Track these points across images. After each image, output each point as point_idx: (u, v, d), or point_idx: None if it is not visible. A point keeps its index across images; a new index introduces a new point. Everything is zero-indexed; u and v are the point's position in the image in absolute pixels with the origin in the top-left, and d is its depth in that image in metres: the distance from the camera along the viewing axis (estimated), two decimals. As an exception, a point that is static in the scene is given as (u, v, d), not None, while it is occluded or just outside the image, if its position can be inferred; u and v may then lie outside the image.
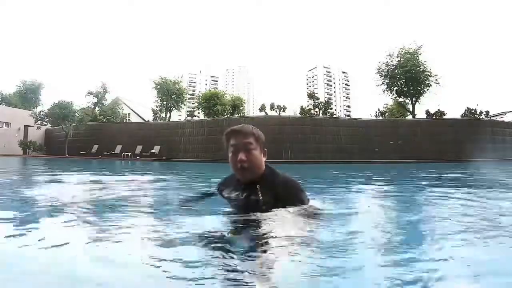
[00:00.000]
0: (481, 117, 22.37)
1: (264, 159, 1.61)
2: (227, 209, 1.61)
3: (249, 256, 1.00)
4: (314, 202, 1.64)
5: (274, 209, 1.45)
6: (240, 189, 1.61)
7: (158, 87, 27.01)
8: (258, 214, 1.41)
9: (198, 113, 26.57)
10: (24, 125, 26.64)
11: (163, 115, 28.44)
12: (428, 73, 22.07)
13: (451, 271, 0.94)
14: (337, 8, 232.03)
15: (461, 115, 22.50)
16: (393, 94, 23.44)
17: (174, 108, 28.05)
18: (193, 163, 15.48)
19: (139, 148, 20.55)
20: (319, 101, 23.65)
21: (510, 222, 1.66)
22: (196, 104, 27.28)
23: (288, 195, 1.52)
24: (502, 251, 1.17)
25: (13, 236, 1.27)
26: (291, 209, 1.46)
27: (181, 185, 3.89)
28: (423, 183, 4.70)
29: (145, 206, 2.20)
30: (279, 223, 1.33)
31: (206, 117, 23.38)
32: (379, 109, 25.70)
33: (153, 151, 20.10)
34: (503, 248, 1.21)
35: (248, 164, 1.51)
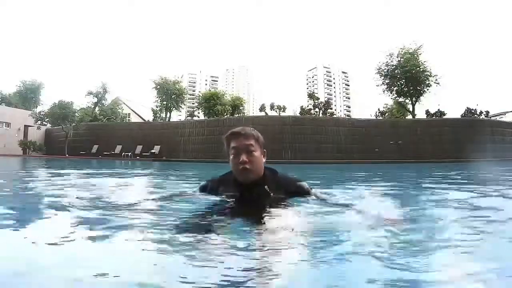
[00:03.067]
0: (481, 117, 22.38)
1: (264, 160, 1.64)
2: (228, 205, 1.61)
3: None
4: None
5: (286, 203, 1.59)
6: (244, 190, 1.60)
7: (158, 87, 27.03)
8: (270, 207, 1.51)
9: (198, 113, 26.58)
10: (24, 125, 26.64)
11: (163, 115, 28.46)
12: (428, 73, 22.08)
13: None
14: (337, 8, 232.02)
15: (461, 115, 22.50)
16: (393, 94, 23.46)
17: (174, 108, 28.07)
18: (193, 163, 15.49)
19: (139, 148, 20.56)
20: (319, 101, 23.67)
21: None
22: (196, 104, 27.29)
23: (298, 192, 1.69)
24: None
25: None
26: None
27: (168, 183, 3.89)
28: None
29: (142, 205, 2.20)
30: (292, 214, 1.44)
31: (206, 117, 23.39)
32: (379, 109, 25.75)
33: (153, 151, 20.11)
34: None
35: (250, 166, 1.54)
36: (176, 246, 1.06)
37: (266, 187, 1.59)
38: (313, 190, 1.74)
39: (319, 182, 4.19)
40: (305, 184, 1.73)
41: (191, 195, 1.87)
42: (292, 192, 1.66)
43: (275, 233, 1.21)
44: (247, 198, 1.59)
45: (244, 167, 1.53)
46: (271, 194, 1.58)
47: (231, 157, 1.59)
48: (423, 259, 0.99)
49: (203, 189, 1.80)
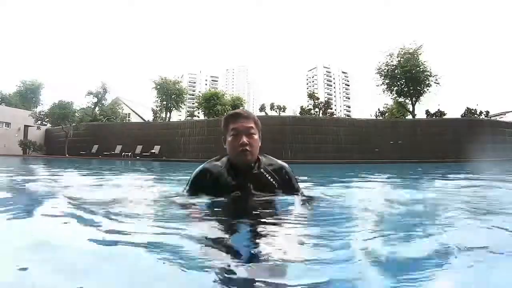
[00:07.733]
0: (481, 117, 22.36)
1: (259, 144, 1.61)
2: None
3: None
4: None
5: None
6: (240, 176, 1.56)
7: (158, 87, 27.03)
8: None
9: (198, 113, 26.58)
10: (24, 125, 26.63)
11: (163, 115, 28.45)
12: (428, 73, 22.08)
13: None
14: (337, 8, 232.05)
15: (461, 115, 22.47)
16: (393, 94, 23.46)
17: (174, 108, 28.07)
18: (193, 163, 15.47)
19: (139, 148, 20.56)
20: (319, 101, 23.65)
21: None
22: (196, 104, 27.29)
23: (289, 180, 1.68)
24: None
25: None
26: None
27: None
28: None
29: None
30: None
31: (206, 117, 23.38)
32: (379, 109, 25.70)
33: (153, 151, 20.11)
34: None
35: (249, 148, 1.52)
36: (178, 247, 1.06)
37: (268, 176, 1.58)
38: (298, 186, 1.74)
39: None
40: (292, 175, 1.70)
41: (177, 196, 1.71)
42: (288, 180, 1.66)
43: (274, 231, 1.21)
44: (243, 198, 1.53)
45: (245, 148, 1.51)
46: (271, 179, 1.58)
47: (229, 138, 1.55)
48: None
49: (195, 183, 1.63)
